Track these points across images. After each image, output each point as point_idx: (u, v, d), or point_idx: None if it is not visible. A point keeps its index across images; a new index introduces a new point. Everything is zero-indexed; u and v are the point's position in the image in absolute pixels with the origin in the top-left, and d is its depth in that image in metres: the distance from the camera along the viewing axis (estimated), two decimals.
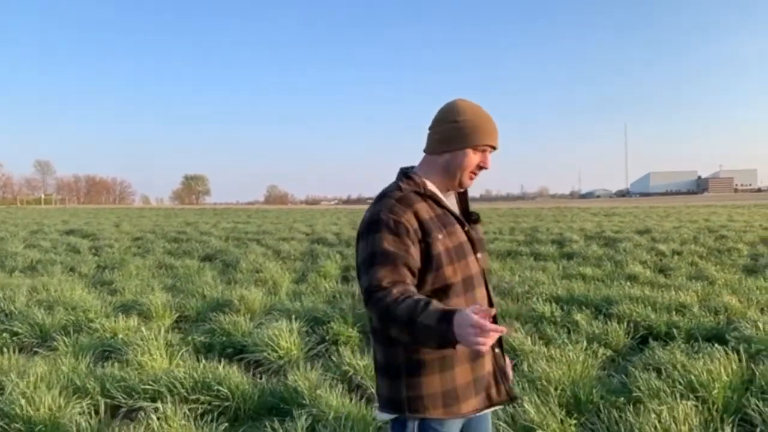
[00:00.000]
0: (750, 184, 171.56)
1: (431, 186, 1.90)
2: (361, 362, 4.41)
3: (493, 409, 1.93)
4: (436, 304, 1.58)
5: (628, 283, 7.84)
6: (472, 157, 1.88)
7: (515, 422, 3.36)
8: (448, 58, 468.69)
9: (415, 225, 1.77)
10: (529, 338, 5.02)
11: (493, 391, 1.90)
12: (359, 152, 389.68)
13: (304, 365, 4.50)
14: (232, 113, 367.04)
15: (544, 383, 3.87)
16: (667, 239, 13.98)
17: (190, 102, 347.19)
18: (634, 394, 3.72)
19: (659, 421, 3.22)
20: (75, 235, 18.36)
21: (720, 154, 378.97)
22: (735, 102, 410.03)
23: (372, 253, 1.74)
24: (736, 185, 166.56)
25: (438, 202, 1.88)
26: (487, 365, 1.89)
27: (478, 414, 1.89)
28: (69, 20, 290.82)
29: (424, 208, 1.82)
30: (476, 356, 1.84)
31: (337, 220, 27.42)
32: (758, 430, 3.39)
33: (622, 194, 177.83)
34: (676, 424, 3.21)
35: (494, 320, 1.89)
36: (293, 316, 5.71)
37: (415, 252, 1.75)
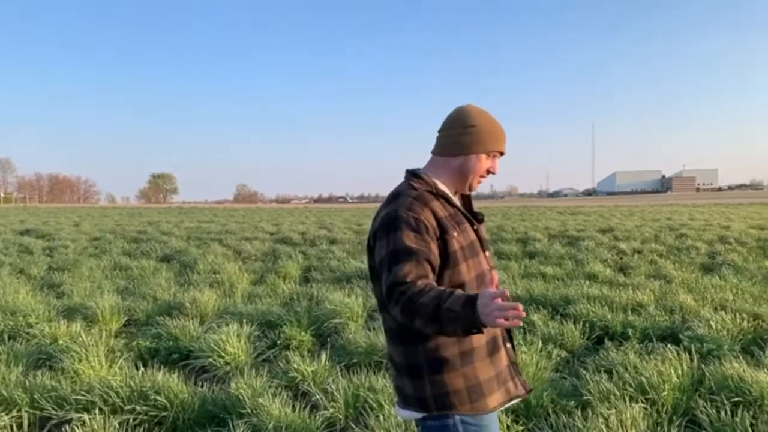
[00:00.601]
0: (711, 184, 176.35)
1: (442, 186, 1.94)
2: (309, 368, 4.26)
3: (513, 402, 1.96)
4: (459, 292, 1.62)
5: (588, 282, 7.85)
6: (484, 162, 1.96)
7: None
8: (415, 58, 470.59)
9: (434, 223, 1.81)
10: None
11: (511, 385, 1.93)
12: (330, 152, 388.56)
13: (251, 371, 4.34)
14: (204, 112, 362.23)
15: None
16: (628, 238, 14.12)
17: (161, 100, 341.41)
18: (585, 397, 3.66)
19: (607, 426, 3.16)
20: (30, 235, 17.72)
21: (684, 154, 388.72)
22: (698, 103, 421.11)
23: (395, 250, 1.75)
24: (698, 185, 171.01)
25: (449, 201, 1.93)
26: (504, 360, 1.94)
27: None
28: (32, 15, 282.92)
29: (438, 207, 1.86)
30: (494, 351, 1.90)
31: (305, 219, 27.11)
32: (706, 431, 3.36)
33: (589, 193, 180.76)
34: (623, 428, 3.15)
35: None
36: (244, 320, 5.53)
37: (435, 249, 1.78)
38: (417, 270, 1.71)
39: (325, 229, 18.56)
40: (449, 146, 1.95)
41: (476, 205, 2.09)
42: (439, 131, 1.99)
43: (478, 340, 1.84)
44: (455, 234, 1.84)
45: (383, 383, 3.86)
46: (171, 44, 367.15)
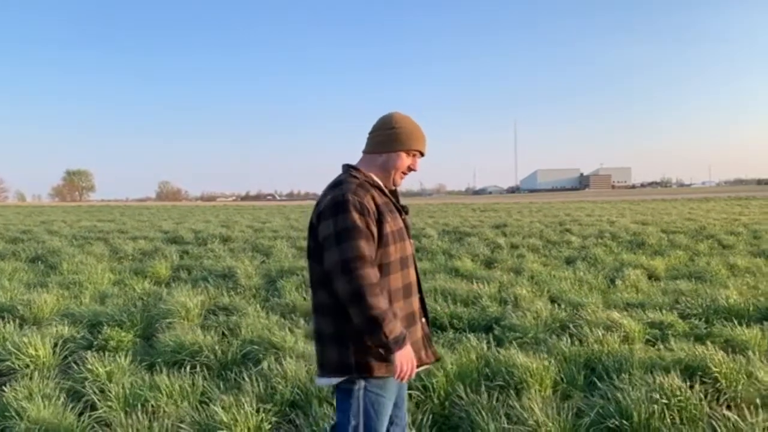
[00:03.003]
0: (625, 181, 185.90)
1: (375, 178, 2.24)
2: (104, 368, 4.18)
3: (423, 368, 2.29)
4: (398, 323, 2.01)
5: (447, 276, 8.10)
6: (405, 160, 2.27)
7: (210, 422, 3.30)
8: (347, 54, 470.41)
9: (373, 208, 2.09)
10: (290, 333, 4.98)
11: (423, 354, 2.24)
12: (261, 149, 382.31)
13: (49, 373, 4.23)
14: (123, 105, 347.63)
15: (279, 380, 3.86)
16: (515, 233, 14.65)
17: (77, 91, 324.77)
18: None
19: None
20: None
21: (602, 153, 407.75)
22: (615, 105, 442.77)
23: (344, 228, 2.00)
24: (614, 182, 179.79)
25: (383, 192, 2.22)
26: (419, 332, 2.25)
27: None
28: None
29: (376, 195, 2.16)
30: (411, 324, 2.20)
31: (214, 217, 26.51)
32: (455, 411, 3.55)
33: (512, 190, 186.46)
34: None
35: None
36: (67, 321, 5.38)
37: (375, 230, 2.07)
38: (368, 248, 2.01)
39: (226, 227, 18.26)
40: (375, 145, 2.27)
41: (403, 201, 2.37)
42: (369, 133, 2.31)
43: (399, 314, 2.12)
44: (389, 219, 2.14)
45: (169, 382, 3.85)
46: (93, 38, 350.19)
